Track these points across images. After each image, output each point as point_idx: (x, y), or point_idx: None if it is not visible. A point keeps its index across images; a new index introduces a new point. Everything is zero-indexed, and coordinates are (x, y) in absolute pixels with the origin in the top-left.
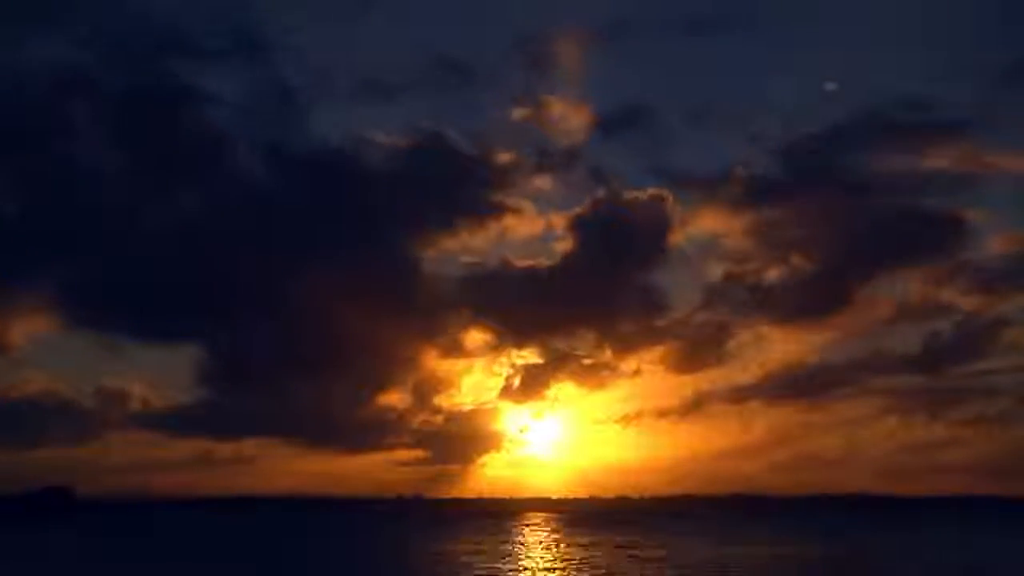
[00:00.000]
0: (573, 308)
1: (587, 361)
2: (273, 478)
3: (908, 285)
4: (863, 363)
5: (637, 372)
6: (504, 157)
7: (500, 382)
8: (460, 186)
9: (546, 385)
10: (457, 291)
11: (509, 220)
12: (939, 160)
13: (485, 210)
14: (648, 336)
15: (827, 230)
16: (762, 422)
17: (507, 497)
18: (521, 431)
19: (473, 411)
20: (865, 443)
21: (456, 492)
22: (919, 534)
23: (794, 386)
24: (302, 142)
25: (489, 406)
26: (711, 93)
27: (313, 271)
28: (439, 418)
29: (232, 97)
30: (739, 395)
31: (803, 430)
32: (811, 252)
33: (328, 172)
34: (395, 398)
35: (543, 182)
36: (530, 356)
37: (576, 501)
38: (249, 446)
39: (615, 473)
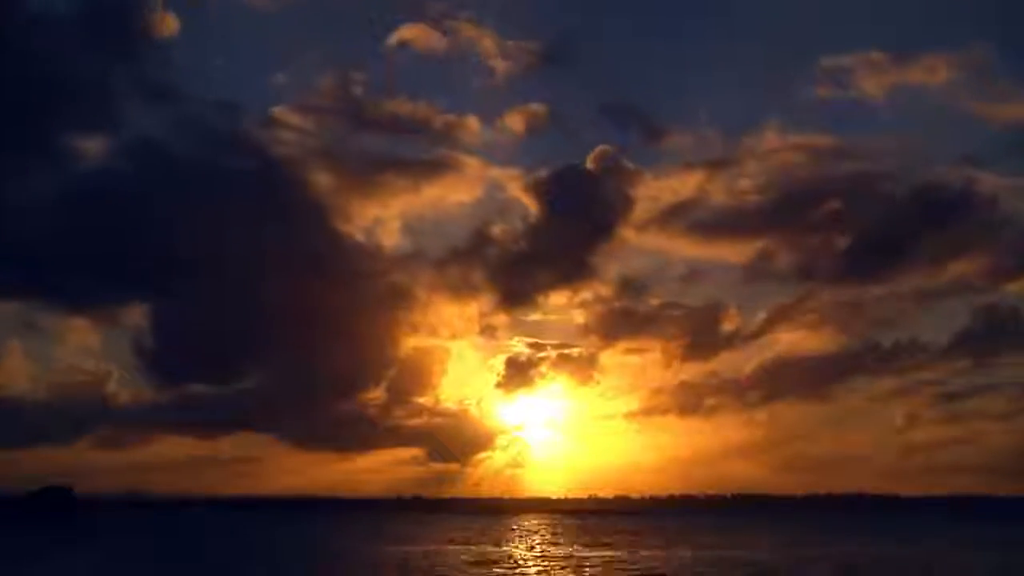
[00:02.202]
0: (544, 288)
1: (574, 351)
2: (271, 478)
3: (915, 267)
4: (862, 355)
5: (628, 365)
6: (428, 106)
7: (493, 378)
8: (384, 145)
9: (539, 381)
10: (414, 267)
11: (450, 179)
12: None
13: (420, 170)
14: (634, 324)
15: (825, 198)
16: (761, 419)
17: (506, 497)
18: (517, 428)
19: (468, 409)
20: (867, 439)
21: (455, 492)
22: (923, 534)
23: (793, 380)
24: (184, 89)
25: (484, 404)
26: (674, 17)
27: (235, 241)
28: (432, 417)
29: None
30: (737, 389)
31: (804, 427)
32: (809, 224)
33: (221, 129)
34: (379, 395)
35: (479, 132)
36: (518, 347)
37: (575, 501)
38: (241, 445)
39: (614, 472)
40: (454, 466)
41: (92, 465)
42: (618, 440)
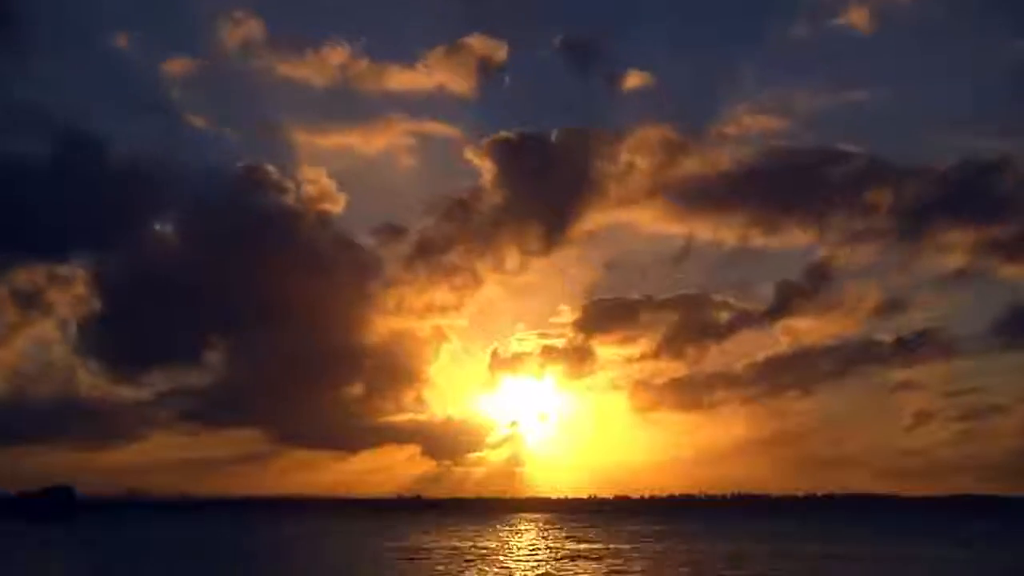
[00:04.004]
0: (521, 268)
1: (562, 343)
2: (270, 479)
3: (924, 247)
4: (860, 350)
5: (622, 357)
6: (341, 52)
7: (483, 372)
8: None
9: (532, 374)
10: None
11: (378, 140)
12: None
13: (351, 128)
14: (625, 314)
15: (823, 166)
16: (760, 416)
17: (506, 496)
18: (512, 426)
19: (461, 406)
20: (872, 437)
21: (454, 491)
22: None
23: (789, 377)
24: (67, 47)
25: (476, 400)
26: None
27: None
28: (421, 414)
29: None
30: (734, 386)
31: (802, 425)
32: (803, 207)
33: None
34: (366, 390)
35: (411, 81)
36: (504, 339)
37: (575, 501)
38: (235, 444)
39: (613, 471)
40: (451, 464)
41: (86, 465)
42: (617, 438)
